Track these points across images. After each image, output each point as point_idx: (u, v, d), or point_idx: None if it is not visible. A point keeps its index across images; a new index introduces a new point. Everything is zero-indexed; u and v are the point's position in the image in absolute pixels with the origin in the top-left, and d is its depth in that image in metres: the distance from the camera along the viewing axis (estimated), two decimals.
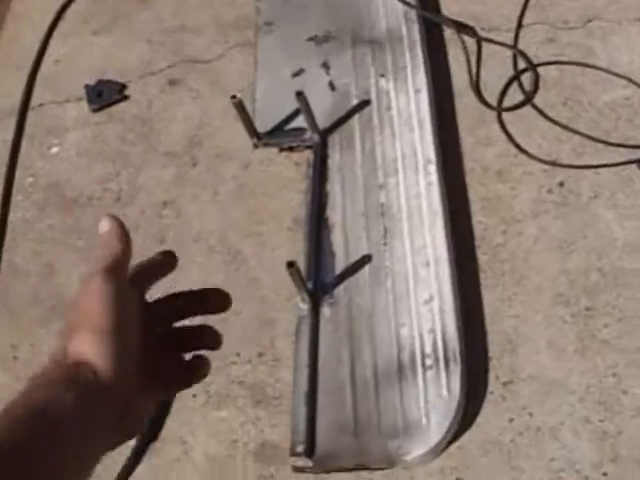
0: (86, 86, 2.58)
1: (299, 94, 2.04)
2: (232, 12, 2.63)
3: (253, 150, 2.23)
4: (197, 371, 0.76)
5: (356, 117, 2.17)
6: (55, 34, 2.77)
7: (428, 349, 1.78)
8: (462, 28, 2.31)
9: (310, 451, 1.70)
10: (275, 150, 2.27)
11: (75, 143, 2.50)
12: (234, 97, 2.07)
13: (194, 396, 1.98)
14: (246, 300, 2.07)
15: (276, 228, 2.17)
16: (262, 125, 2.22)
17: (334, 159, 2.12)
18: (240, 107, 2.09)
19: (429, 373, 1.75)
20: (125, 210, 2.30)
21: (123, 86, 2.57)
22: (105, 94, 2.55)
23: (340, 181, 2.08)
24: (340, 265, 1.95)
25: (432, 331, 1.80)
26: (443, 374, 1.74)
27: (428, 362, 1.76)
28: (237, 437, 1.89)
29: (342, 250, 1.97)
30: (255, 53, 2.38)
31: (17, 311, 2.22)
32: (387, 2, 2.35)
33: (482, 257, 1.98)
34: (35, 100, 2.64)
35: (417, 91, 2.16)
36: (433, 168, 2.02)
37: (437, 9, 2.39)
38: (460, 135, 2.18)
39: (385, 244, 1.95)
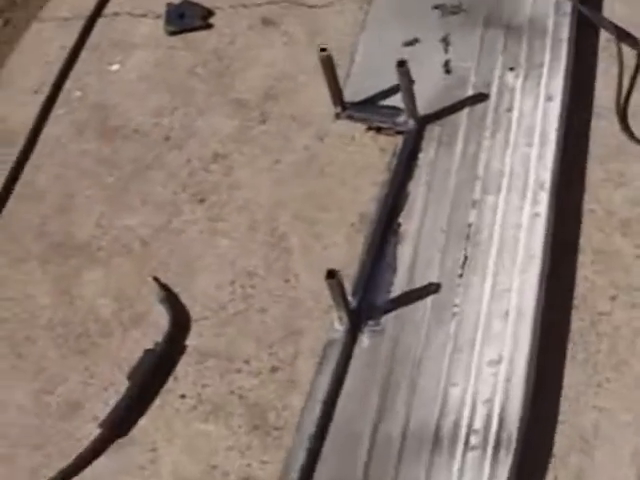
0: (168, 4, 2.19)
1: (401, 65, 1.61)
2: None
3: (334, 120, 1.82)
4: None
5: (466, 111, 1.73)
6: None
7: (478, 423, 1.34)
8: (624, 36, 1.83)
9: None
10: (361, 127, 1.84)
11: (138, 64, 2.11)
12: (323, 50, 1.65)
13: (182, 396, 1.58)
14: (276, 298, 1.67)
15: (338, 220, 1.75)
16: (352, 94, 1.80)
17: (427, 154, 1.69)
18: (328, 64, 1.67)
19: (471, 455, 1.31)
20: (170, 154, 1.92)
21: (209, 12, 2.17)
22: (187, 17, 2.16)
23: (427, 183, 1.64)
24: (399, 286, 1.52)
25: (489, 402, 1.36)
26: (488, 461, 1.30)
27: (473, 440, 1.32)
28: (217, 462, 1.49)
29: (406, 268, 1.54)
30: (368, 8, 1.96)
31: (17, 240, 1.87)
32: None
33: (577, 323, 1.52)
34: (111, 7, 2.27)
35: (549, 98, 1.70)
36: (545, 197, 1.57)
37: (598, 7, 1.93)
38: (587, 165, 1.71)
39: (461, 275, 1.51)
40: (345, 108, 1.77)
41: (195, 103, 2.00)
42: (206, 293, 1.69)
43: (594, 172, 1.70)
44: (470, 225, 1.57)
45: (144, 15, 2.22)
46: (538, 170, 1.60)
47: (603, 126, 1.77)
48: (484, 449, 1.32)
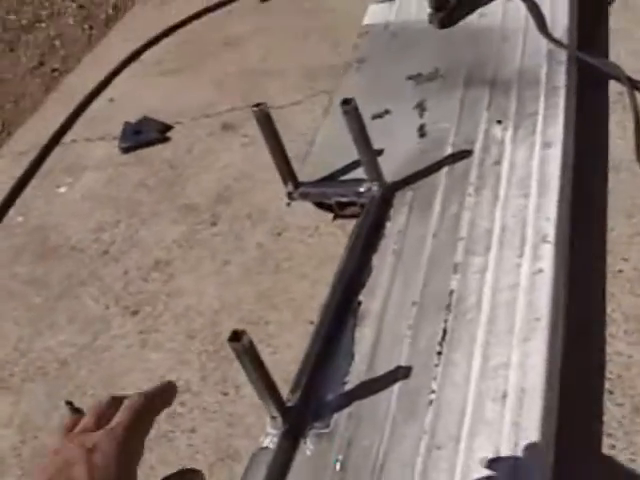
0: (125, 123, 1.94)
1: (346, 102, 1.27)
2: (328, 57, 1.95)
3: (289, 204, 1.46)
4: None
5: (444, 170, 1.36)
6: (123, 74, 2.19)
7: None
8: (635, 82, 1.49)
9: None
10: (327, 217, 1.49)
11: (87, 184, 1.82)
12: (257, 105, 1.33)
13: None
14: (210, 415, 1.25)
15: (292, 319, 1.35)
16: (309, 174, 1.46)
17: (395, 222, 1.31)
18: (266, 124, 1.35)
19: None
20: (106, 268, 1.57)
21: (167, 127, 1.89)
22: (143, 133, 1.89)
23: (395, 253, 1.25)
24: (356, 376, 1.09)
25: None
26: None
27: None
28: None
29: (366, 353, 1.12)
30: (332, 95, 1.66)
31: None
32: (528, 40, 1.58)
33: (612, 410, 1.06)
34: (69, 136, 2.03)
35: (546, 145, 1.33)
36: (549, 250, 1.16)
37: (605, 54, 1.60)
38: (610, 221, 1.31)
39: (439, 353, 1.08)
40: (298, 186, 1.42)
41: (140, 214, 1.67)
42: None
43: (619, 227, 1.29)
44: (451, 293, 1.15)
45: (102, 138, 1.96)
46: (538, 222, 1.20)
47: (624, 178, 1.37)
48: None
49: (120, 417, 0.67)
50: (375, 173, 1.34)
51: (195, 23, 2.29)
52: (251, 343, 0.95)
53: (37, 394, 1.39)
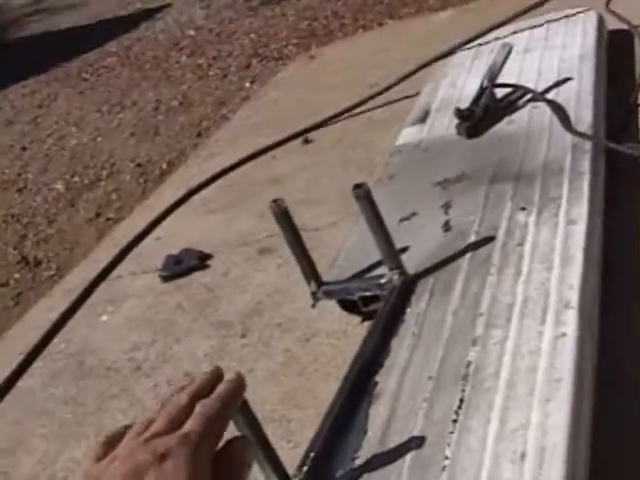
0: (167, 256, 1.96)
1: (357, 187, 1.25)
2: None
3: (314, 305, 1.41)
4: None
5: (467, 256, 1.31)
6: (172, 216, 2.24)
7: None
8: None
9: None
10: (355, 320, 1.44)
11: (127, 311, 1.82)
12: (275, 201, 1.32)
13: None
14: None
15: (314, 415, 1.27)
16: (335, 276, 1.43)
17: (416, 307, 1.24)
18: (283, 219, 1.33)
19: None
20: (137, 383, 1.53)
21: (207, 256, 1.90)
22: (184, 262, 1.90)
23: (414, 335, 1.18)
24: (368, 450, 1.00)
25: None
26: None
27: None
28: None
29: (380, 427, 1.03)
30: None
31: None
32: (553, 137, 1.55)
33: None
34: (116, 272, 2.05)
35: (571, 222, 1.27)
36: (572, 315, 1.07)
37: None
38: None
39: (455, 421, 0.98)
40: (322, 285, 1.38)
41: (174, 333, 1.64)
42: None
43: None
44: (469, 364, 1.07)
45: (145, 272, 1.98)
46: (561, 292, 1.12)
47: None
48: None
49: (193, 423, 0.64)
50: (394, 262, 1.30)
51: (242, 168, 2.35)
52: (245, 403, 0.89)
53: None
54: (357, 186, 1.26)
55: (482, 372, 1.05)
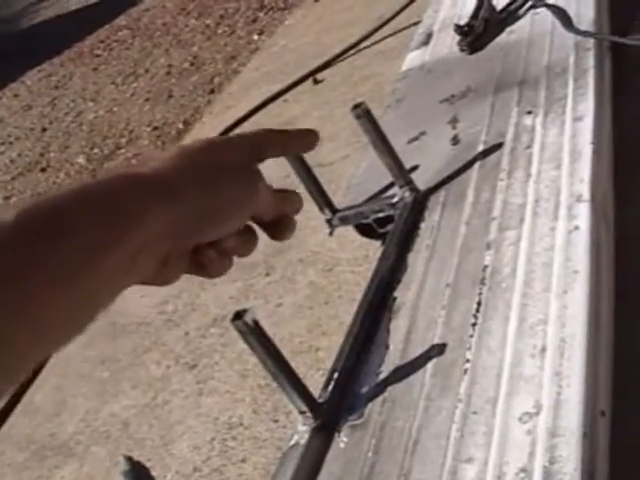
0: None
1: (357, 106, 1.23)
2: (376, 113, 1.92)
3: (330, 233, 1.40)
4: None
5: (476, 166, 1.28)
6: None
7: None
8: None
9: None
10: (375, 244, 1.43)
11: None
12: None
13: None
14: (261, 444, 1.16)
15: (340, 341, 1.27)
16: (348, 203, 1.41)
17: (429, 221, 1.23)
18: (295, 157, 1.32)
19: None
20: (169, 333, 1.54)
21: None
22: None
23: (429, 247, 1.17)
24: (390, 364, 1.00)
25: (526, 472, 0.77)
26: None
27: None
28: None
29: (401, 340, 1.02)
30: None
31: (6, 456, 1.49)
32: (555, 39, 1.51)
33: None
34: None
35: (577, 119, 1.23)
36: (585, 208, 1.05)
37: None
38: None
39: (474, 325, 0.97)
40: (335, 212, 1.37)
41: (199, 281, 1.65)
42: (181, 458, 1.22)
43: None
44: (485, 268, 1.05)
45: None
46: (572, 186, 1.10)
47: None
48: None
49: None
50: (404, 179, 1.28)
51: (255, 116, 2.33)
52: (256, 322, 0.89)
53: (100, 456, 1.34)
54: (355, 106, 1.24)
55: (498, 274, 1.04)
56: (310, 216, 1.62)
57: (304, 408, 0.94)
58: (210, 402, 1.31)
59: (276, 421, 1.18)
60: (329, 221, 1.38)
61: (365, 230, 1.41)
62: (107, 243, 0.45)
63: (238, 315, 0.89)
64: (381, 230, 1.37)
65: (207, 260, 0.57)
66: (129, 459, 1.35)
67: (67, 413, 1.54)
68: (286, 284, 1.47)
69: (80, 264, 0.44)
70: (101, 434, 1.40)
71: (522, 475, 0.77)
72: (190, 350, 1.45)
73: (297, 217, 1.84)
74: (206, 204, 0.53)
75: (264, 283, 1.51)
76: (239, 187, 0.56)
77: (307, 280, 1.45)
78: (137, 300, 1.74)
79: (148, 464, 1.26)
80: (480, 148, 1.32)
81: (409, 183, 1.28)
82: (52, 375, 1.66)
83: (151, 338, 1.56)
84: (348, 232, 1.43)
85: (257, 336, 0.89)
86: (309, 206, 1.63)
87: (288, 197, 0.64)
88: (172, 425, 1.31)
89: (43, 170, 3.29)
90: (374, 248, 1.43)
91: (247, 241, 0.60)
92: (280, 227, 0.64)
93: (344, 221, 1.38)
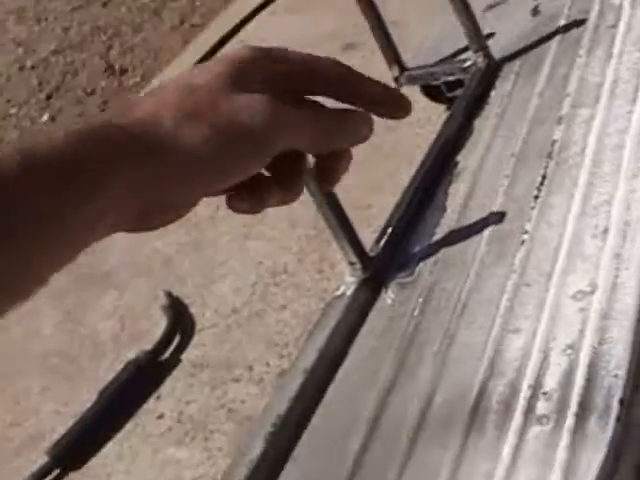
0: None
1: None
2: None
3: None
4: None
5: (555, 39, 1.22)
6: (256, 19, 2.17)
7: (551, 382, 0.73)
8: None
9: None
10: (439, 108, 1.39)
11: None
12: None
13: (160, 417, 1.09)
14: (303, 292, 1.17)
15: (394, 200, 1.25)
16: (418, 63, 1.36)
17: (501, 90, 1.18)
18: (367, 6, 1.26)
19: (536, 430, 0.70)
20: None
21: None
22: None
23: (498, 115, 1.13)
24: (447, 226, 0.98)
25: (573, 349, 0.76)
26: (567, 437, 0.69)
27: (542, 408, 0.71)
28: None
29: (460, 203, 1.01)
30: None
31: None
32: None
33: None
34: None
35: None
36: None
37: None
38: None
39: (536, 197, 0.95)
40: (404, 70, 1.32)
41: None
42: (222, 299, 1.24)
43: None
44: (554, 142, 1.01)
45: None
46: None
47: None
48: (560, 419, 0.71)
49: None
50: (479, 45, 1.23)
51: None
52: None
53: (140, 288, 1.36)
54: None
55: (567, 150, 1.00)
56: (376, 75, 1.58)
57: (354, 259, 0.93)
58: (256, 246, 1.32)
59: (321, 272, 1.19)
60: (396, 79, 1.33)
61: (432, 92, 1.38)
62: (53, 216, 0.39)
63: None
64: (449, 94, 1.33)
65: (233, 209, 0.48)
66: (169, 294, 1.38)
67: (111, 245, 1.55)
68: None
69: (27, 235, 0.38)
70: (143, 268, 1.41)
71: (569, 352, 0.76)
72: None
73: (364, 71, 1.77)
74: (196, 157, 0.43)
75: None
76: (246, 122, 0.44)
77: None
78: None
79: (187, 301, 1.28)
80: (561, 22, 1.26)
81: (484, 49, 1.23)
82: None
83: None
84: (412, 92, 1.39)
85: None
86: (376, 63, 1.58)
87: (349, 119, 0.50)
88: (215, 265, 1.32)
89: (104, 5, 3.22)
90: (437, 112, 1.39)
91: (283, 189, 0.48)
92: (330, 166, 0.51)
93: (412, 80, 1.33)
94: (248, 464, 0.79)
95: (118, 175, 0.41)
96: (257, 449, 0.79)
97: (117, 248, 1.52)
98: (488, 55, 1.22)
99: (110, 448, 1.10)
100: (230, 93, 0.45)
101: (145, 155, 0.42)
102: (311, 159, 0.51)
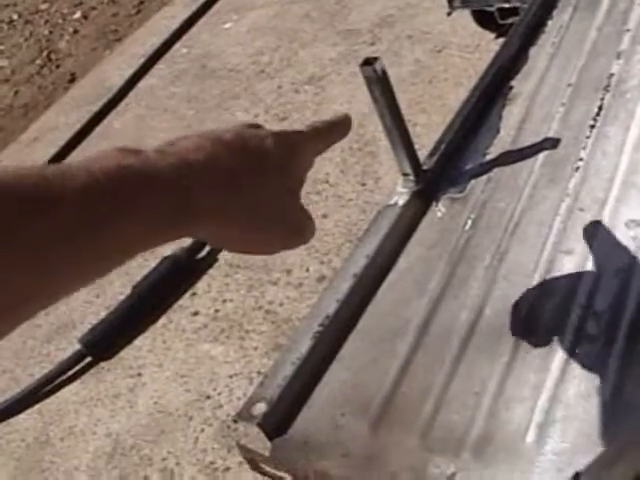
0: None
1: None
2: None
3: (449, 14, 1.33)
4: None
5: None
6: None
7: (602, 303, 0.74)
8: None
9: (277, 426, 0.75)
10: (489, 35, 1.37)
11: (252, 20, 1.77)
12: None
13: (195, 314, 1.10)
14: (345, 203, 1.17)
15: (440, 121, 1.24)
16: None
17: (558, 20, 1.16)
18: None
19: (586, 348, 0.72)
20: (261, 84, 1.52)
21: None
22: None
23: (554, 45, 1.11)
24: (500, 147, 0.98)
25: (624, 272, 0.76)
26: (617, 356, 0.70)
27: (592, 328, 0.72)
28: (212, 392, 0.98)
29: (513, 126, 0.99)
30: None
31: None
32: None
33: None
34: None
35: None
36: None
37: None
38: None
39: (592, 127, 0.94)
40: None
41: (300, 39, 1.60)
42: None
43: None
44: (611, 76, 1.00)
45: None
46: None
47: None
48: (610, 339, 0.72)
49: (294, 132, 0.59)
50: None
51: None
52: (384, 72, 0.86)
53: None
54: None
55: (624, 84, 0.99)
56: None
57: (408, 170, 0.93)
58: None
59: (364, 184, 1.18)
60: (450, 1, 1.31)
61: (483, 18, 1.35)
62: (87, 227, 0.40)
63: (368, 62, 0.85)
64: (501, 21, 1.31)
65: None
66: None
67: (147, 143, 1.54)
68: (391, 57, 1.41)
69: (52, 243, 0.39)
70: None
71: (621, 276, 0.77)
72: (281, 103, 1.43)
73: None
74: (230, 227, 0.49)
75: (368, 51, 1.46)
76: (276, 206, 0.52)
77: (413, 57, 1.40)
78: (230, 48, 1.70)
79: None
80: None
81: None
82: (135, 104, 1.66)
83: (241, 85, 1.53)
84: (462, 18, 1.37)
85: (382, 86, 0.86)
86: None
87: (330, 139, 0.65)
88: None
89: None
90: (487, 39, 1.37)
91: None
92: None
93: (466, 3, 1.31)
94: (295, 361, 0.80)
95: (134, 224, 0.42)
96: (304, 347, 0.80)
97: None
98: None
99: (142, 341, 1.12)
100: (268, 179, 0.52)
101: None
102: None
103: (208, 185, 0.46)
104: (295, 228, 0.55)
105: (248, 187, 0.49)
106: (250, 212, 0.49)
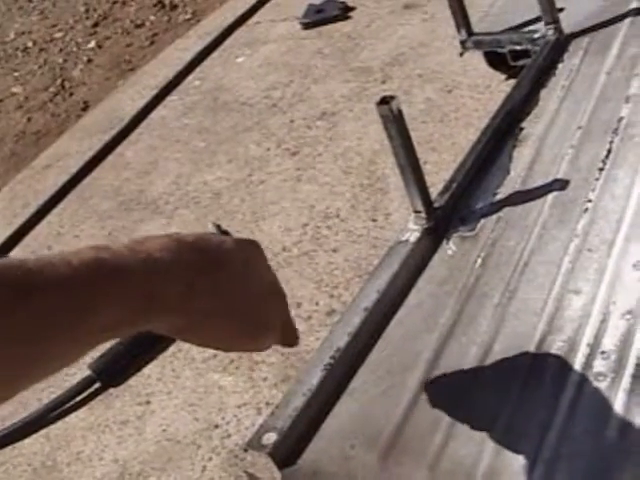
0: (309, 5, 1.91)
1: None
2: None
3: (462, 54, 1.36)
4: None
5: (626, 21, 1.23)
6: None
7: (609, 343, 0.76)
8: None
9: (287, 456, 0.77)
10: (499, 76, 1.40)
11: (265, 54, 1.81)
12: None
13: None
14: (355, 238, 1.19)
15: (451, 160, 1.27)
16: (486, 29, 1.37)
17: (569, 63, 1.19)
18: None
19: (593, 386, 0.73)
20: (273, 118, 1.55)
21: (349, 8, 1.86)
22: (326, 12, 1.86)
23: (564, 88, 1.14)
24: (510, 188, 1.00)
25: (632, 314, 0.78)
26: (624, 394, 0.72)
27: (600, 366, 0.74)
28: (221, 422, 0.99)
29: (523, 168, 1.02)
30: None
31: (85, 201, 1.54)
32: None
33: None
34: (254, 19, 2.03)
35: None
36: None
37: None
38: None
39: (601, 170, 0.97)
40: (470, 34, 1.33)
41: (312, 75, 1.64)
42: (271, 236, 1.25)
43: None
44: (620, 119, 1.03)
45: (285, 19, 1.95)
46: None
47: None
48: (617, 378, 0.73)
49: None
50: (551, 17, 1.23)
51: None
52: (400, 111, 0.88)
53: (187, 218, 1.38)
54: None
55: (633, 127, 1.01)
56: (436, 36, 1.59)
57: (420, 208, 0.96)
58: (308, 190, 1.33)
59: (374, 220, 1.20)
60: (463, 42, 1.34)
61: (495, 60, 1.38)
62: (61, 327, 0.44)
63: (384, 100, 0.88)
64: (512, 63, 1.34)
65: None
66: (218, 227, 1.40)
67: (158, 173, 1.57)
68: (401, 95, 1.44)
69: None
70: (191, 199, 1.43)
71: (628, 317, 0.78)
72: (293, 137, 1.46)
73: (422, 36, 1.79)
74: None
75: (379, 89, 1.49)
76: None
77: (424, 96, 1.43)
78: (242, 82, 1.73)
79: (236, 235, 1.30)
80: (634, 5, 1.26)
81: (555, 22, 1.23)
82: (147, 135, 1.69)
83: (253, 119, 1.56)
84: (473, 58, 1.40)
85: (397, 124, 0.89)
86: (436, 25, 1.59)
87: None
88: (265, 204, 1.33)
89: None
90: (497, 80, 1.40)
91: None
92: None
93: (478, 45, 1.34)
94: (306, 392, 0.81)
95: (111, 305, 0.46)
96: (315, 379, 0.82)
97: (163, 177, 1.53)
98: (559, 28, 1.23)
99: (151, 368, 1.13)
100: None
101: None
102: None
103: (172, 281, 0.50)
104: (251, 331, 0.57)
105: (208, 284, 0.53)
106: (209, 309, 0.53)
